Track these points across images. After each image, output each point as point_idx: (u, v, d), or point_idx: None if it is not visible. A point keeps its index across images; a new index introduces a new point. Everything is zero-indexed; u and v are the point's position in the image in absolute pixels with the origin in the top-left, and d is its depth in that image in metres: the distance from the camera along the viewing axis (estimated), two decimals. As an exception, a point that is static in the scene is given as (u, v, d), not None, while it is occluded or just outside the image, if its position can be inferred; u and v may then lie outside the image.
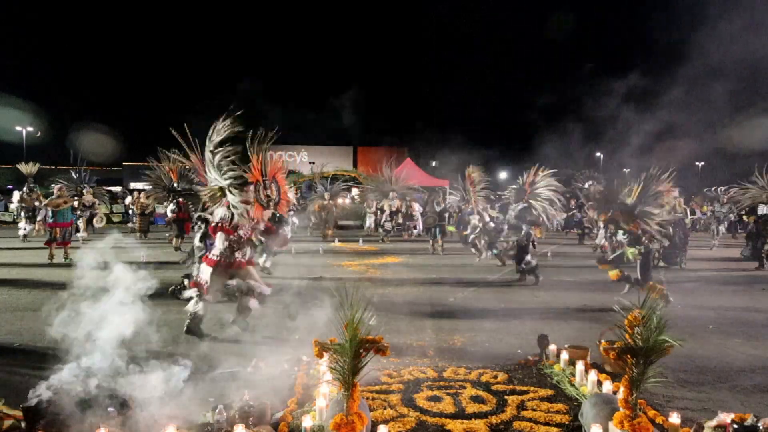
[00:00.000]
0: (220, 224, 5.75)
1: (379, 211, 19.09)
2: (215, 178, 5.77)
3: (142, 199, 17.37)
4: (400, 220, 18.77)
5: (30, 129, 38.12)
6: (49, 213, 11.86)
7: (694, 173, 38.66)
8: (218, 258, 5.75)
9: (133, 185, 39.73)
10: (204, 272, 5.79)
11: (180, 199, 12.89)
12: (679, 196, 15.08)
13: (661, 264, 12.10)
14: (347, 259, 12.68)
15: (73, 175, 16.63)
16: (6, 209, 25.71)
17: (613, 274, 7.74)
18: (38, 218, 15.98)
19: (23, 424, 3.30)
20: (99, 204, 18.49)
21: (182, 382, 4.02)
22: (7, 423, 3.33)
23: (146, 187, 15.76)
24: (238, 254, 5.83)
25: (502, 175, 39.35)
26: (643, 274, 7.64)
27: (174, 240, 13.74)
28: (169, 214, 13.18)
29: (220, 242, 5.78)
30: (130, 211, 21.07)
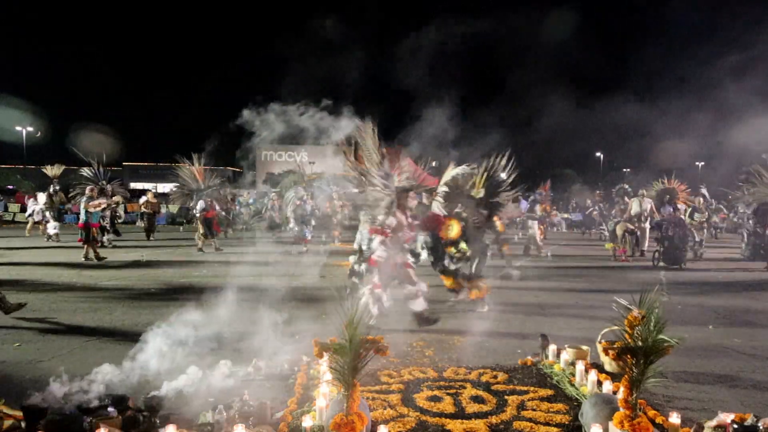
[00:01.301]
0: (386, 229, 6.00)
1: None
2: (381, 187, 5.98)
3: (150, 199, 17.39)
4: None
5: (30, 129, 38.18)
6: (83, 213, 11.90)
7: (693, 174, 38.65)
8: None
9: (133, 185, 39.68)
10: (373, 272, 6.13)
11: (209, 199, 13.05)
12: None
13: (661, 264, 12.11)
14: (348, 260, 12.64)
15: (87, 173, 16.01)
16: (6, 209, 25.72)
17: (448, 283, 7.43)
18: (60, 221, 16.02)
19: (23, 424, 3.30)
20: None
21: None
22: (7, 423, 3.33)
23: (173, 188, 15.84)
24: (398, 257, 6.06)
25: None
26: (477, 269, 7.40)
27: (202, 239, 13.54)
28: (199, 213, 13.20)
29: (380, 244, 6.06)
30: (139, 212, 21.01)
